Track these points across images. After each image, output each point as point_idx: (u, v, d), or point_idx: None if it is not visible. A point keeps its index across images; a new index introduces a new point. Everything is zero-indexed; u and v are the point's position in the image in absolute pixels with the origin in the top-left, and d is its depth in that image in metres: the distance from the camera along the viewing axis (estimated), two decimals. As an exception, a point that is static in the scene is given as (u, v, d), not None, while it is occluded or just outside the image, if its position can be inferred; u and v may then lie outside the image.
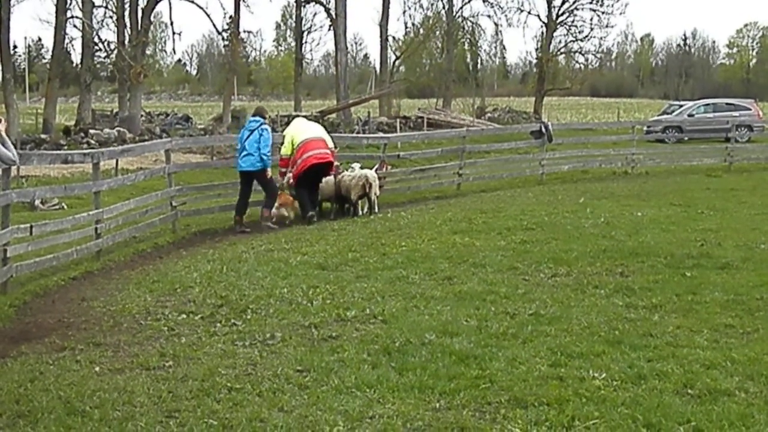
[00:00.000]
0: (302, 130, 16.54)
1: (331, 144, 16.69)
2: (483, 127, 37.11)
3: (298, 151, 16.05)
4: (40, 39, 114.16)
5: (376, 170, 19.65)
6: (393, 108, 51.79)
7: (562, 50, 57.61)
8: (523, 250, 12.10)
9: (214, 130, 39.60)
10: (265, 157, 15.44)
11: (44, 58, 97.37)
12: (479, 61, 70.71)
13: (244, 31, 48.18)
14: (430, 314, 8.59)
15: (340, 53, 47.76)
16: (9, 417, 6.09)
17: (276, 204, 15.81)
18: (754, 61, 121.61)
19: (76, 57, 52.85)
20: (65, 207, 18.38)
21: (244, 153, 15.54)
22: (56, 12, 38.04)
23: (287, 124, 21.30)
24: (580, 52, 58.07)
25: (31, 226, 10.63)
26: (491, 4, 55.72)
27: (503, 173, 23.26)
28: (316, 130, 16.88)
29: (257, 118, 15.87)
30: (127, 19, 40.84)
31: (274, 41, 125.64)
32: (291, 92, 69.45)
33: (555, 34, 55.37)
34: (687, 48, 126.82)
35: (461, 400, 6.17)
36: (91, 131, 34.71)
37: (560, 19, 54.77)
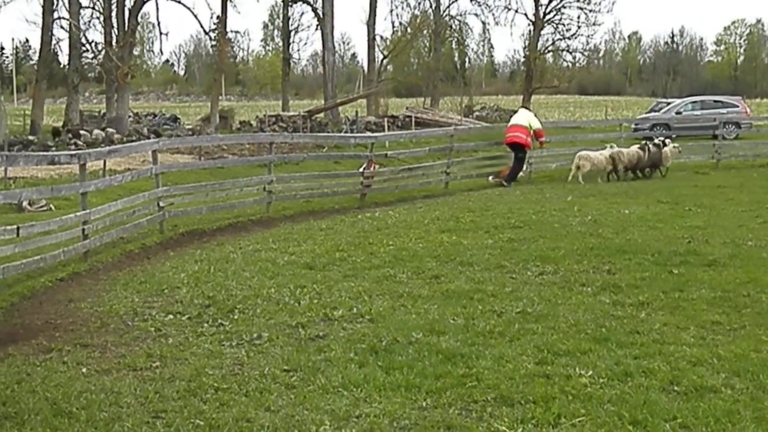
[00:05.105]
0: (512, 119, 23.06)
1: (536, 125, 22.31)
2: (471, 126, 37.28)
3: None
4: (27, 40, 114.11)
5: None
6: (381, 107, 51.80)
7: (550, 48, 57.56)
8: (511, 248, 12.10)
9: (202, 130, 39.59)
10: None
11: (31, 59, 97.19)
12: (467, 59, 71.15)
13: (232, 31, 48.35)
14: (417, 313, 8.59)
15: (328, 53, 47.80)
16: (-5, 419, 6.07)
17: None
18: (742, 58, 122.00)
19: (63, 58, 52.87)
20: (53, 208, 18.30)
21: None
22: (43, 13, 37.95)
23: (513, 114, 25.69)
24: (567, 50, 58.03)
25: (18, 228, 10.57)
26: (479, 2, 56.06)
27: (491, 172, 23.24)
28: (516, 119, 22.58)
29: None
30: (114, 20, 40.86)
31: (261, 41, 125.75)
32: (279, 92, 69.47)
33: (542, 33, 55.31)
34: (675, 45, 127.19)
35: (448, 399, 6.18)
36: (81, 132, 34.62)
37: (548, 17, 54.72)
